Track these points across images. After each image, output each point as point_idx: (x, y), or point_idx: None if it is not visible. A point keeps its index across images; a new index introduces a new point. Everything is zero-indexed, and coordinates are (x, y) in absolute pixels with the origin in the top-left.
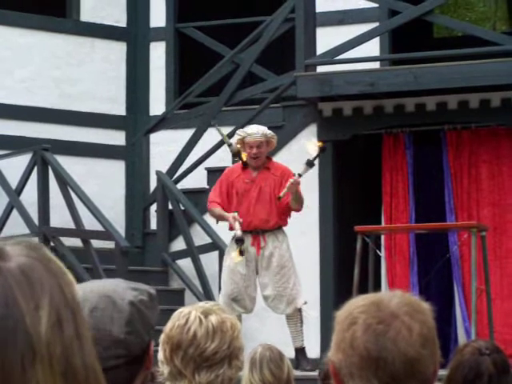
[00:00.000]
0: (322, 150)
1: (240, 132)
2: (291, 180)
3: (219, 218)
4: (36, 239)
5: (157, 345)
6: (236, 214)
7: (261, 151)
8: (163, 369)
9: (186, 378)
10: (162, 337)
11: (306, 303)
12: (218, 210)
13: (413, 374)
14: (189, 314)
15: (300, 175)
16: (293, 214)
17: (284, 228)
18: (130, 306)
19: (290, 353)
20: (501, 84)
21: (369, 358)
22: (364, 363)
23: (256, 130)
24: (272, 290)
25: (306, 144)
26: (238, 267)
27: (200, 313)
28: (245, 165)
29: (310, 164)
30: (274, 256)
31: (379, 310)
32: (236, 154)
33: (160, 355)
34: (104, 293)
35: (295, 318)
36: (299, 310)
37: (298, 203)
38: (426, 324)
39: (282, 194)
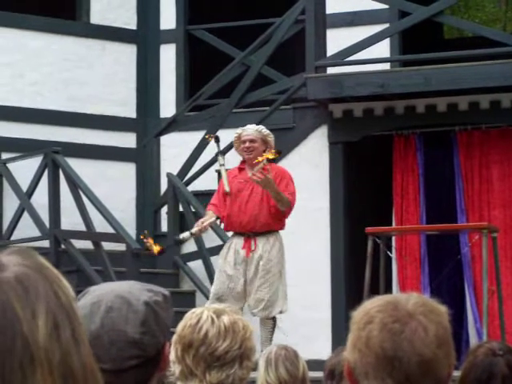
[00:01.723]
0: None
1: (237, 130)
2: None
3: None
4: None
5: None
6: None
7: (253, 146)
8: (175, 368)
9: (197, 377)
10: (174, 336)
11: (281, 312)
12: (209, 213)
13: (427, 375)
14: (201, 314)
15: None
16: (304, 214)
17: (285, 231)
18: (144, 307)
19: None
20: (511, 85)
21: (384, 358)
22: (379, 362)
23: (250, 127)
24: (252, 289)
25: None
26: (225, 267)
27: (212, 313)
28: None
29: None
30: (263, 259)
31: (396, 310)
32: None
33: (172, 355)
34: (119, 293)
35: (268, 324)
36: (273, 319)
37: (281, 204)
38: (442, 325)
39: (255, 170)
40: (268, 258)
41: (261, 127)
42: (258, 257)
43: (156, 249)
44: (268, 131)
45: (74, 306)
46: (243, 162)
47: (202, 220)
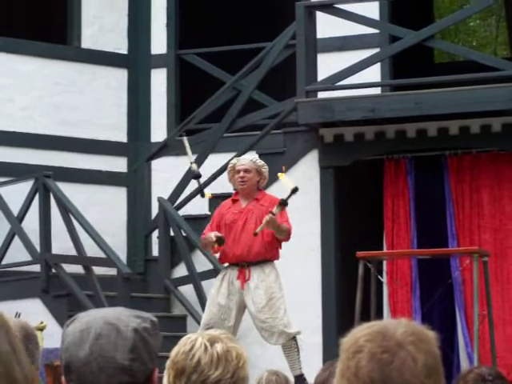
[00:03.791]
0: (293, 191)
1: (232, 160)
2: (266, 217)
3: (206, 244)
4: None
5: (159, 371)
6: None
7: (248, 176)
8: None
9: None
10: (168, 362)
11: (299, 333)
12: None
13: None
14: (195, 341)
15: (273, 214)
16: (294, 238)
17: (277, 260)
18: (133, 334)
19: (292, 379)
20: (502, 109)
21: None
22: None
23: (245, 157)
24: (259, 322)
25: (284, 180)
26: (218, 298)
27: (206, 340)
28: (202, 195)
29: (283, 203)
30: (260, 289)
31: (385, 340)
32: (195, 177)
33: (164, 380)
34: (108, 320)
35: (290, 346)
36: (293, 339)
37: (283, 235)
38: (431, 354)
39: (257, 230)
40: (267, 286)
41: (255, 158)
42: (253, 286)
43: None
44: (262, 162)
45: (8, 321)
46: (236, 193)
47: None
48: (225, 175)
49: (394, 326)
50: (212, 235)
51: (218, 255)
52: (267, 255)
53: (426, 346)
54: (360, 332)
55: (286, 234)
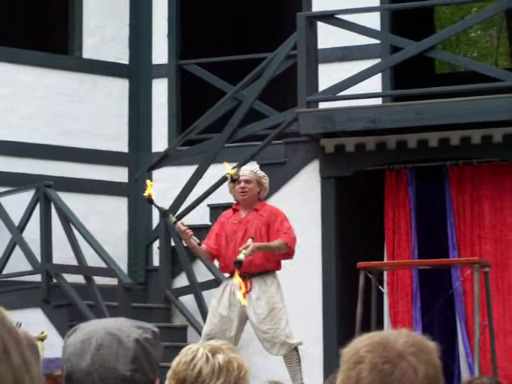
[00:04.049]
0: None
1: (234, 171)
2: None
3: (202, 254)
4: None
5: (160, 381)
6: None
7: (248, 187)
8: None
9: None
10: (169, 372)
11: (301, 344)
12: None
13: None
14: (196, 351)
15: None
16: (295, 248)
17: (279, 271)
18: (135, 344)
19: None
20: (503, 120)
21: None
22: None
23: (246, 168)
24: (261, 333)
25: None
26: (220, 308)
27: (208, 350)
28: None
29: (237, 264)
30: (262, 300)
31: (385, 350)
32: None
33: None
34: (109, 331)
35: (291, 357)
36: (295, 349)
37: (281, 250)
38: (432, 364)
39: (238, 259)
40: (269, 296)
41: (256, 169)
42: (255, 297)
43: (148, 192)
44: (263, 173)
45: (18, 332)
46: (237, 203)
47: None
48: (225, 186)
49: (395, 336)
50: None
51: (218, 264)
52: (268, 266)
53: (426, 356)
54: (361, 342)
55: (285, 247)
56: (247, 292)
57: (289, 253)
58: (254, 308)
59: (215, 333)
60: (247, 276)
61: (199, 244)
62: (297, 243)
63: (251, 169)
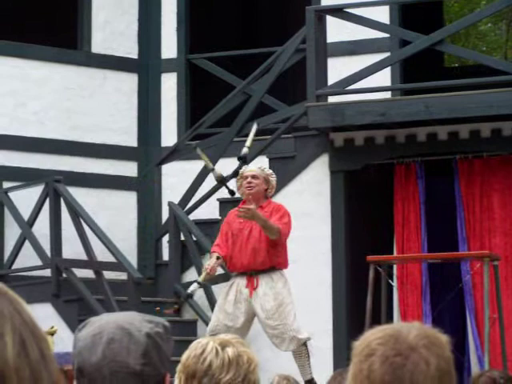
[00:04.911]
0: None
1: (242, 169)
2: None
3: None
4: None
5: (171, 376)
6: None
7: (255, 182)
8: None
9: None
10: (179, 365)
11: (310, 339)
12: (213, 255)
13: None
14: (206, 345)
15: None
16: (305, 242)
17: (286, 269)
18: (146, 338)
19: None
20: None
21: None
22: None
23: (253, 165)
24: (269, 329)
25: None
26: (225, 305)
27: (218, 344)
28: (232, 194)
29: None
30: (269, 295)
31: (397, 343)
32: (220, 181)
33: (175, 383)
34: (120, 325)
35: (300, 352)
36: (304, 344)
37: (270, 232)
38: (444, 357)
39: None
40: (276, 293)
41: (264, 166)
42: (262, 293)
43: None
44: (271, 171)
45: (37, 325)
46: (243, 201)
47: (206, 264)
48: (235, 180)
49: (407, 329)
50: (213, 259)
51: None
52: (273, 263)
53: (438, 349)
54: (372, 335)
55: (277, 234)
56: (254, 288)
57: (277, 244)
58: (262, 304)
59: (219, 328)
60: (254, 273)
61: (217, 258)
62: (304, 238)
63: (259, 166)
